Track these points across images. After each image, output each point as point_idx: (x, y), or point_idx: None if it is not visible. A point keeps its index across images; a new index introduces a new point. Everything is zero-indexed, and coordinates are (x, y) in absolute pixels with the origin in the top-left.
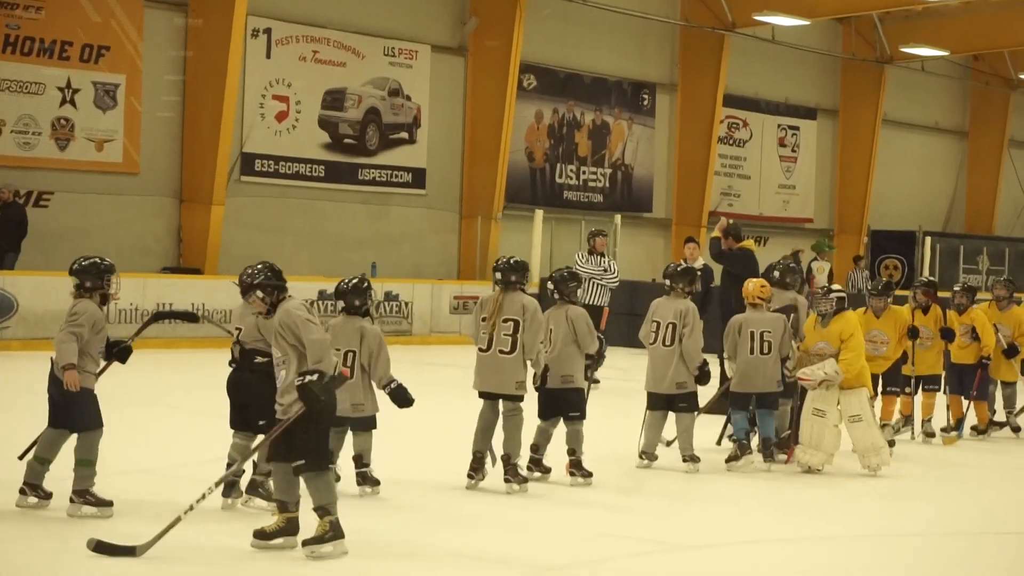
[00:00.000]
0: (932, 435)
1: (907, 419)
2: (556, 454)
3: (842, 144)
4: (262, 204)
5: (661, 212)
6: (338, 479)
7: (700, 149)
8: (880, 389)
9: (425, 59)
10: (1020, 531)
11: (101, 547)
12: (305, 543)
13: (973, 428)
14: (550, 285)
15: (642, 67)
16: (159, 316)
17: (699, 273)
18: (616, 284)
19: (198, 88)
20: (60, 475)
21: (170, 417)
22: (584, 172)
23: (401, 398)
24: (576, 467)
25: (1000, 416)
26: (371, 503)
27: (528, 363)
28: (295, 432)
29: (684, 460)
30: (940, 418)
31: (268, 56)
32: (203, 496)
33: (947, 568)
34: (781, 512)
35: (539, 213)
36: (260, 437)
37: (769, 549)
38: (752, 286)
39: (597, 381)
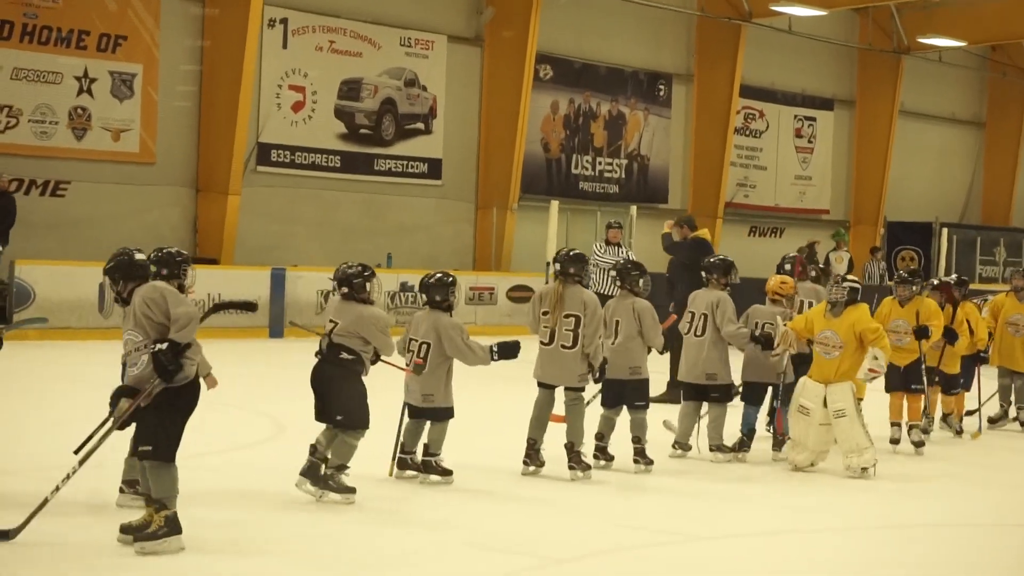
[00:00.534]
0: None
1: (931, 418)
2: (618, 442)
3: (859, 135)
4: (278, 194)
5: (677, 203)
6: (418, 469)
7: (716, 140)
8: (898, 385)
9: (441, 49)
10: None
11: None
12: (136, 538)
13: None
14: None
15: (658, 57)
16: (218, 307)
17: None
18: None
19: (214, 78)
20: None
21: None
22: (600, 163)
23: (509, 352)
24: (640, 455)
25: (1011, 412)
26: (392, 490)
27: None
28: (148, 418)
29: (711, 450)
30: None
31: (284, 46)
32: (68, 476)
33: (957, 561)
34: (795, 504)
35: (555, 204)
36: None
37: (782, 541)
38: (773, 281)
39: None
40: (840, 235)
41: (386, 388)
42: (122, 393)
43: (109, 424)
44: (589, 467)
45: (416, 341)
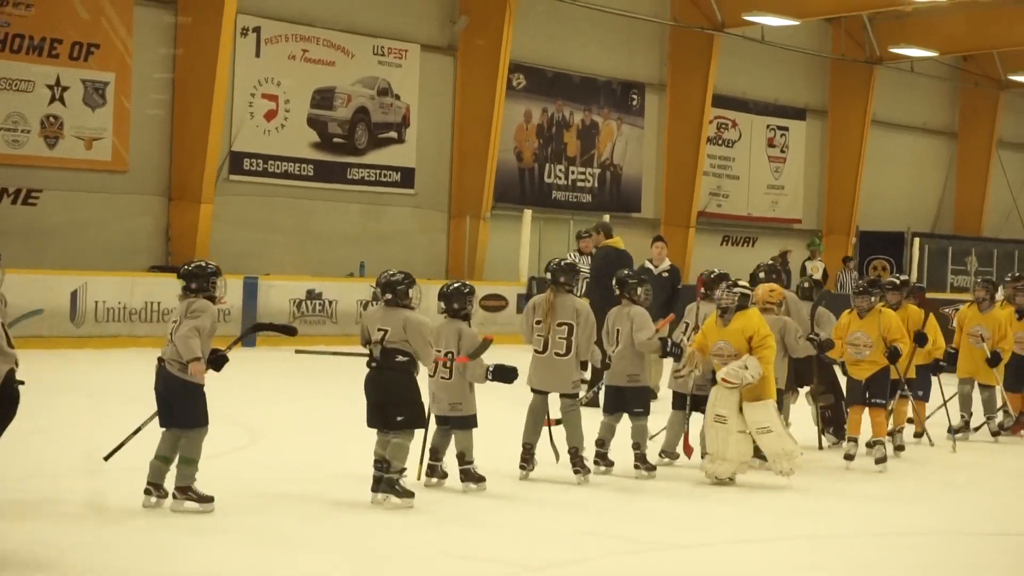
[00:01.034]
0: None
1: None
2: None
3: (831, 145)
4: (251, 203)
5: (650, 212)
6: (445, 476)
7: (689, 149)
8: (858, 399)
9: (414, 58)
10: (1019, 532)
11: None
12: None
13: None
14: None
15: (631, 67)
16: (257, 328)
17: (666, 274)
18: None
19: (187, 86)
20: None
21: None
22: (573, 172)
23: (504, 376)
24: (641, 461)
25: (978, 419)
26: (363, 499)
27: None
28: None
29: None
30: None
31: (257, 55)
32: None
33: (942, 569)
34: (768, 512)
35: (527, 213)
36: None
37: (754, 549)
38: (761, 291)
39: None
40: (815, 245)
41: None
42: None
43: None
44: (589, 471)
45: (440, 351)
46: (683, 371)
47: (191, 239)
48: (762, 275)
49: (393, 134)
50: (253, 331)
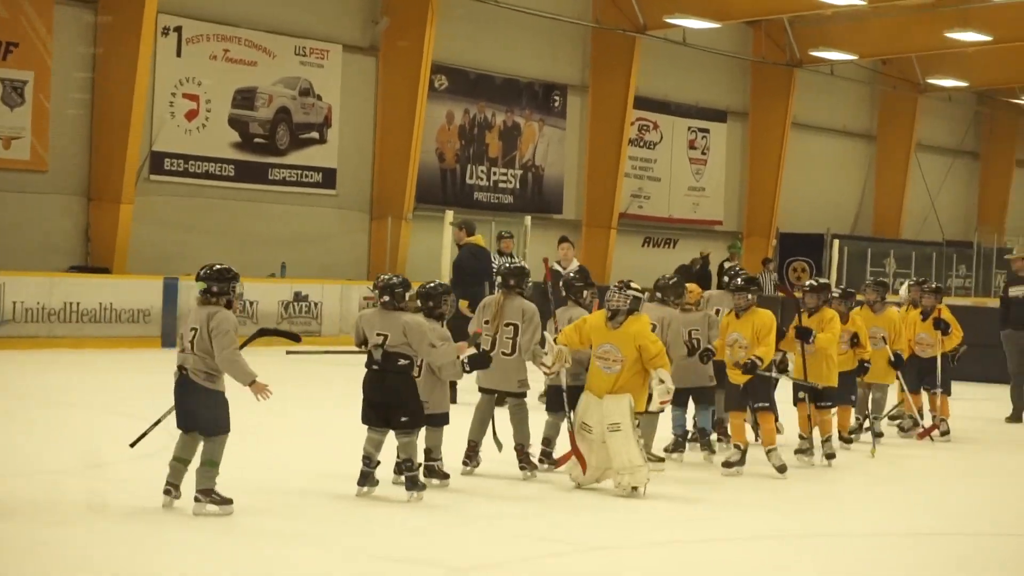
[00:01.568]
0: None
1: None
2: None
3: (752, 147)
4: (172, 203)
5: (571, 213)
6: (447, 476)
7: (610, 151)
8: (737, 404)
9: (336, 59)
10: (976, 532)
11: None
12: None
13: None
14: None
15: (553, 68)
16: (263, 332)
17: (573, 275)
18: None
19: (107, 86)
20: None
21: (80, 416)
22: (495, 173)
23: (479, 364)
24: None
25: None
26: (295, 501)
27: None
28: None
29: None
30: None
31: (179, 54)
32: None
33: (884, 569)
34: (705, 512)
35: (449, 214)
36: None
37: (688, 550)
38: (693, 293)
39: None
40: (735, 247)
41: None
42: None
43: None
44: (536, 467)
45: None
46: (552, 368)
47: (111, 239)
48: (659, 294)
49: (315, 135)
50: (259, 335)
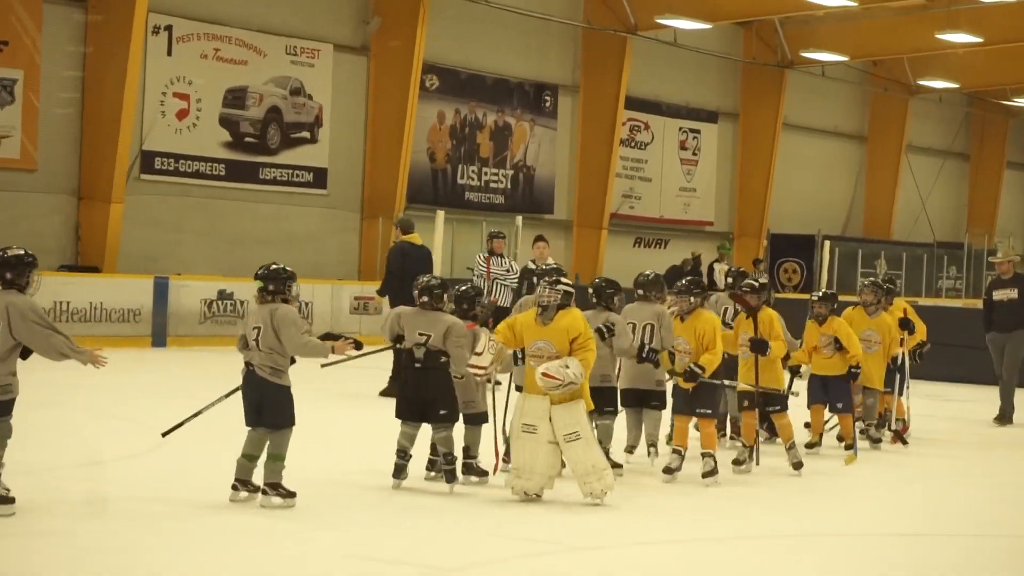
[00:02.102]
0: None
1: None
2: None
3: (742, 148)
4: (162, 202)
5: (562, 214)
6: (486, 473)
7: (601, 151)
8: (683, 408)
9: (327, 58)
10: (974, 534)
11: None
12: None
13: (839, 439)
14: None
15: (544, 69)
16: (326, 337)
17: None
18: (516, 284)
19: (98, 84)
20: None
21: (69, 416)
22: (486, 173)
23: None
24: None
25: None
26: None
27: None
28: None
29: (649, 445)
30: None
31: (169, 53)
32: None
33: (866, 569)
34: (682, 514)
35: (440, 214)
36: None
37: (663, 551)
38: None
39: (499, 382)
40: (725, 248)
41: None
42: None
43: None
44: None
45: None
46: (489, 368)
47: (101, 238)
48: (640, 291)
49: (305, 134)
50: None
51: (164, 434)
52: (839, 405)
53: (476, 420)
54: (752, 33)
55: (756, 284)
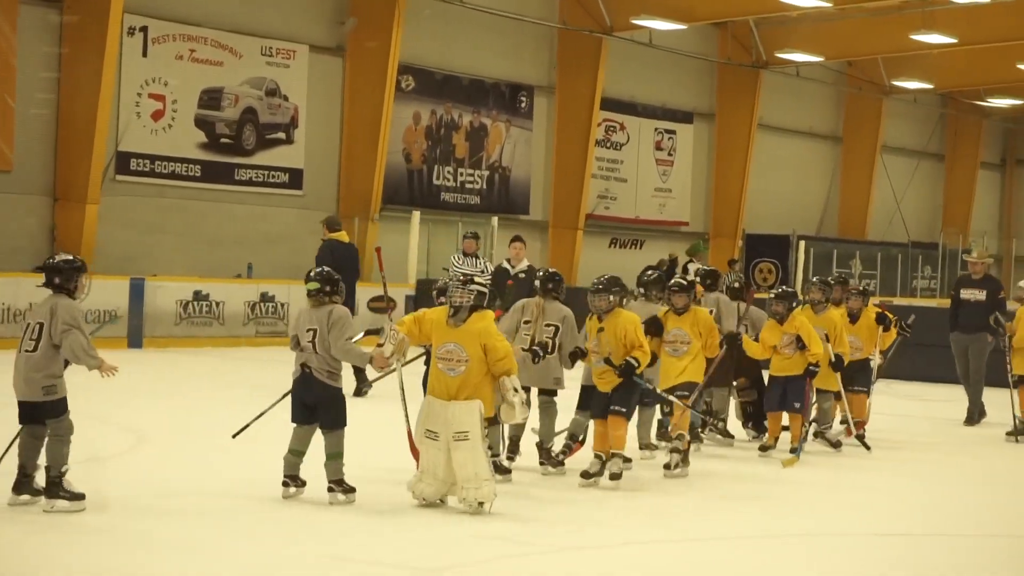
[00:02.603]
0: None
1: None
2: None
3: (718, 148)
4: (138, 203)
5: (538, 214)
6: (509, 471)
7: (577, 152)
8: (601, 410)
9: (303, 59)
10: (959, 534)
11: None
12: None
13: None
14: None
15: (520, 69)
16: (368, 333)
17: (523, 274)
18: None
19: (73, 86)
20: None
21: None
22: (461, 174)
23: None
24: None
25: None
26: (256, 502)
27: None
28: None
29: (640, 448)
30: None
31: (144, 54)
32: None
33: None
34: (681, 513)
35: (416, 215)
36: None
37: (663, 550)
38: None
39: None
40: (698, 248)
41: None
42: None
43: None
44: (560, 463)
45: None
46: (390, 359)
47: (77, 239)
48: (641, 290)
49: (281, 135)
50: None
51: (234, 435)
52: (796, 405)
53: (492, 420)
54: (727, 34)
55: (684, 282)
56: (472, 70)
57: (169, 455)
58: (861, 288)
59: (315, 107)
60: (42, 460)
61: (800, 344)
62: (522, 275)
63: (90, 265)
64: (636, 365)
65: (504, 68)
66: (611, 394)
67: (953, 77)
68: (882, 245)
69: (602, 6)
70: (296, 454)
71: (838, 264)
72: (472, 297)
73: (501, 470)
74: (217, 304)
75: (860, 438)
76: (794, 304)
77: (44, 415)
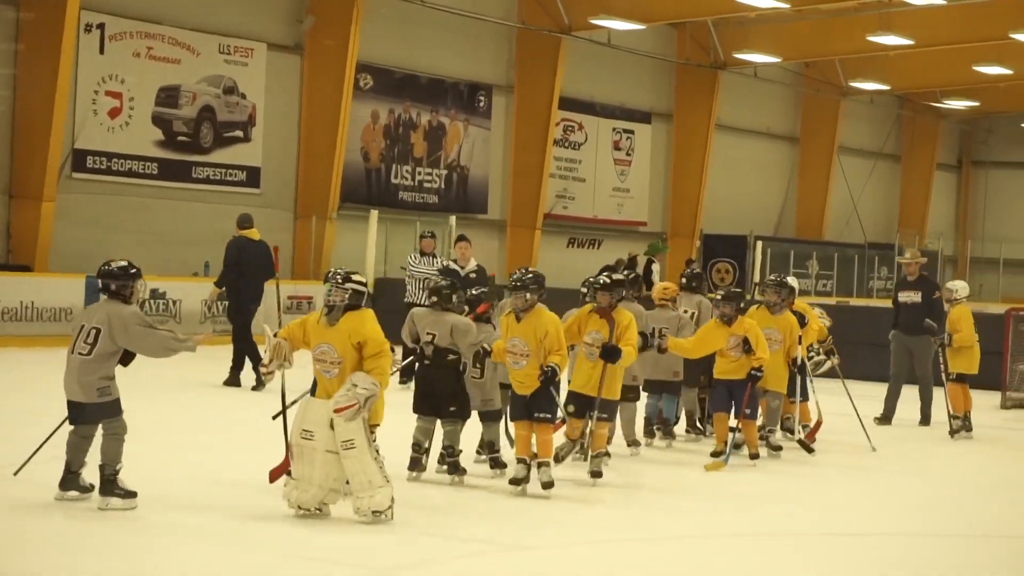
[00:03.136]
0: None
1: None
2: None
3: (676, 148)
4: (94, 201)
5: (496, 213)
6: (506, 466)
7: (535, 151)
8: (521, 413)
9: (261, 57)
10: (915, 533)
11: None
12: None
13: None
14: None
15: (479, 69)
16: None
17: (474, 274)
18: None
19: (29, 83)
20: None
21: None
22: (420, 173)
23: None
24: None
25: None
26: (224, 502)
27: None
28: None
29: (628, 445)
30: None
31: (101, 52)
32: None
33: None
34: (682, 512)
35: (374, 213)
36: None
37: (663, 549)
38: (657, 289)
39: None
40: (657, 247)
41: None
42: None
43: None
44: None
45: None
46: (271, 366)
47: (32, 237)
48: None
49: (239, 133)
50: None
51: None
52: (747, 411)
53: (494, 417)
54: (685, 34)
55: (608, 280)
56: (431, 69)
57: (128, 453)
58: (777, 279)
59: (273, 105)
60: (89, 458)
61: (747, 347)
62: (473, 275)
63: (46, 263)
64: (556, 372)
65: (462, 67)
66: (530, 399)
67: (910, 78)
68: (839, 246)
69: (560, 6)
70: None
71: (795, 265)
72: (347, 296)
73: (499, 464)
74: (174, 303)
75: (803, 443)
76: (741, 305)
77: (99, 416)
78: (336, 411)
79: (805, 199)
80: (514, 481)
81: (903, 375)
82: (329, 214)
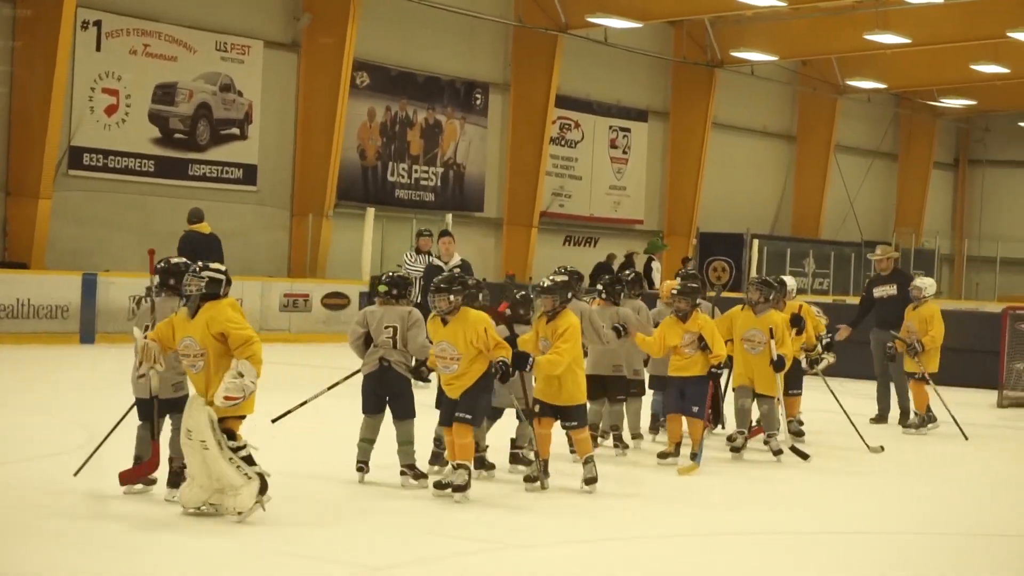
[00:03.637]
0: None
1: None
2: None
3: (672, 146)
4: (91, 198)
5: (493, 211)
6: (531, 463)
7: (532, 149)
8: (448, 417)
9: (257, 54)
10: (901, 531)
11: None
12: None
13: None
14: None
15: (475, 67)
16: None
17: (457, 269)
18: None
19: (26, 80)
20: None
21: None
22: (416, 171)
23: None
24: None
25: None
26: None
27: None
28: None
29: (632, 437)
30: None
31: (98, 49)
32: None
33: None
34: (682, 511)
35: (370, 211)
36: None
37: (662, 547)
38: (664, 288)
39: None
40: (656, 244)
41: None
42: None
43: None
44: (530, 462)
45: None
46: (142, 368)
47: (29, 235)
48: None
49: (235, 130)
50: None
51: (274, 420)
52: (694, 409)
53: (491, 415)
54: (682, 32)
55: (554, 282)
56: (427, 67)
57: (120, 451)
58: (760, 278)
59: (269, 103)
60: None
61: (702, 344)
62: (456, 270)
63: (43, 260)
64: (508, 363)
65: (459, 65)
66: (458, 401)
67: (906, 77)
68: (835, 244)
69: (557, 4)
70: (367, 441)
71: (792, 263)
72: (203, 284)
73: (524, 462)
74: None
75: (794, 449)
76: (698, 301)
77: (171, 410)
78: (225, 398)
79: (802, 197)
80: (439, 486)
81: (888, 371)
82: (325, 212)
